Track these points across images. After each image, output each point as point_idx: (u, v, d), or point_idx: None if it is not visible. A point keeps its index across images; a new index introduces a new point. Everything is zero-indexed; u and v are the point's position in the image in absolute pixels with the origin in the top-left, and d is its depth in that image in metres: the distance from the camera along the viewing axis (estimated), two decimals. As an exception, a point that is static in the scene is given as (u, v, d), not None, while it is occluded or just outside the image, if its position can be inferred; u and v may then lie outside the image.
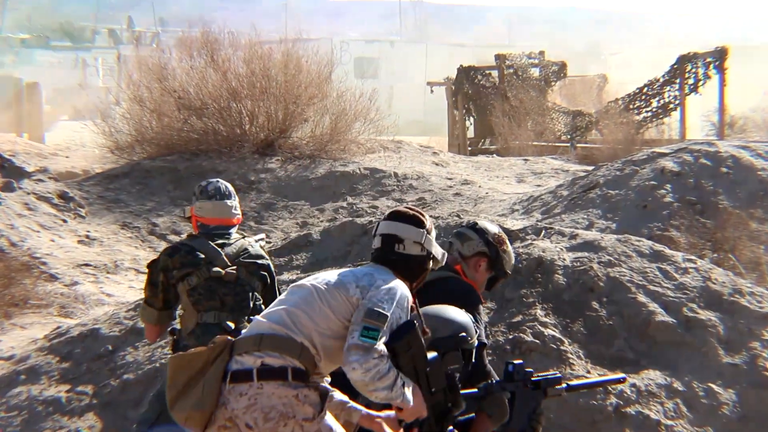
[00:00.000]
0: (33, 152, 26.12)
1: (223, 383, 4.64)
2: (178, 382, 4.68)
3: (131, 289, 13.62)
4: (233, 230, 6.57)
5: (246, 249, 6.47)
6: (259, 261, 6.48)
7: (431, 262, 4.99)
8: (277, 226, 16.54)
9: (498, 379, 5.19)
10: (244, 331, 4.89)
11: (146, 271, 6.55)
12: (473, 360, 5.00)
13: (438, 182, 17.63)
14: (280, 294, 6.36)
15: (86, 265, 14.11)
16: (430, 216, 9.33)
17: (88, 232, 15.59)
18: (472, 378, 5.11)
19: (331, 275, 4.89)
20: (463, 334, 4.90)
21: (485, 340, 5.51)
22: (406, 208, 5.14)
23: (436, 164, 19.99)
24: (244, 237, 6.59)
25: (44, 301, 12.25)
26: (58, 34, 72.58)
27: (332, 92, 20.64)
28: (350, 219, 10.56)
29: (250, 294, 6.37)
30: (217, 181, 6.69)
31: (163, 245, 15.61)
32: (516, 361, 5.06)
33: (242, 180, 17.73)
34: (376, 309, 4.67)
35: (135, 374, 8.11)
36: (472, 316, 5.25)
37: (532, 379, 5.01)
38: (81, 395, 8.12)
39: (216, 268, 6.29)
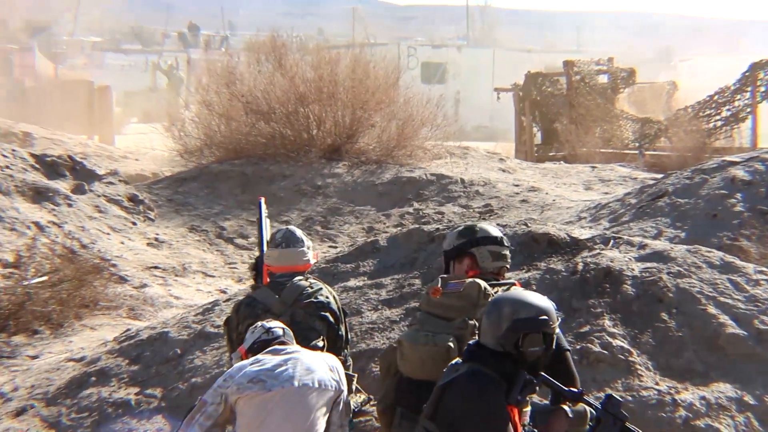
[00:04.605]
0: (104, 155, 26.49)
1: None
2: None
3: (199, 291, 13.75)
4: (301, 275, 6.62)
5: (304, 291, 6.49)
6: (317, 300, 6.49)
7: None
8: (343, 231, 16.59)
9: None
10: None
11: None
12: (554, 346, 4.97)
13: (505, 189, 17.56)
14: (346, 332, 6.52)
15: (155, 267, 14.27)
16: (497, 224, 9.30)
17: (157, 234, 15.77)
18: (559, 376, 5.09)
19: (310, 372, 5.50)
20: (545, 317, 4.89)
21: (568, 347, 5.55)
22: None
23: (503, 170, 19.92)
24: (307, 279, 6.61)
25: (114, 303, 12.41)
26: (128, 37, 73.50)
27: (399, 98, 20.66)
28: (417, 226, 10.54)
29: (311, 335, 6.37)
30: (287, 229, 6.77)
31: (230, 249, 15.75)
32: (617, 396, 5.00)
33: (309, 184, 17.82)
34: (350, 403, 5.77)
35: (203, 378, 8.18)
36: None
37: (626, 424, 4.92)
38: (150, 398, 8.21)
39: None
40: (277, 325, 5.75)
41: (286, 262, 6.63)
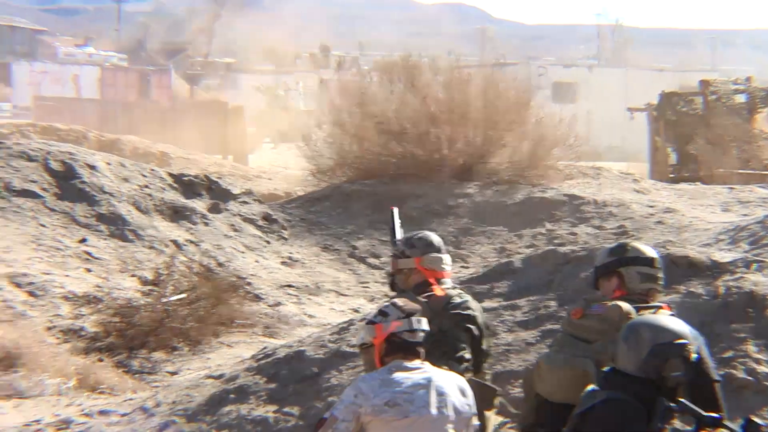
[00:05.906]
0: (238, 174, 26.99)
1: None
2: None
3: (332, 311, 13.86)
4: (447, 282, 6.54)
5: (452, 300, 6.38)
6: (464, 312, 6.39)
7: None
8: (475, 251, 16.55)
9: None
10: None
11: None
12: (694, 371, 4.86)
13: (639, 210, 17.30)
14: (489, 347, 6.39)
15: (289, 286, 14.46)
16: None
17: (291, 253, 15.97)
18: (705, 404, 4.99)
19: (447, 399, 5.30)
20: (683, 340, 4.79)
21: (717, 377, 5.40)
22: None
23: (637, 191, 19.64)
24: (454, 288, 6.51)
25: (249, 321, 12.60)
26: (261, 58, 74.75)
27: (531, 118, 20.56)
28: (552, 248, 10.44)
29: (457, 345, 6.27)
30: (433, 234, 6.67)
31: (362, 268, 15.86)
32: (758, 421, 4.87)
33: (440, 204, 17.84)
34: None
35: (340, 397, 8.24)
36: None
37: None
38: (288, 416, 8.29)
39: None
40: (424, 329, 5.46)
41: (438, 267, 6.53)
